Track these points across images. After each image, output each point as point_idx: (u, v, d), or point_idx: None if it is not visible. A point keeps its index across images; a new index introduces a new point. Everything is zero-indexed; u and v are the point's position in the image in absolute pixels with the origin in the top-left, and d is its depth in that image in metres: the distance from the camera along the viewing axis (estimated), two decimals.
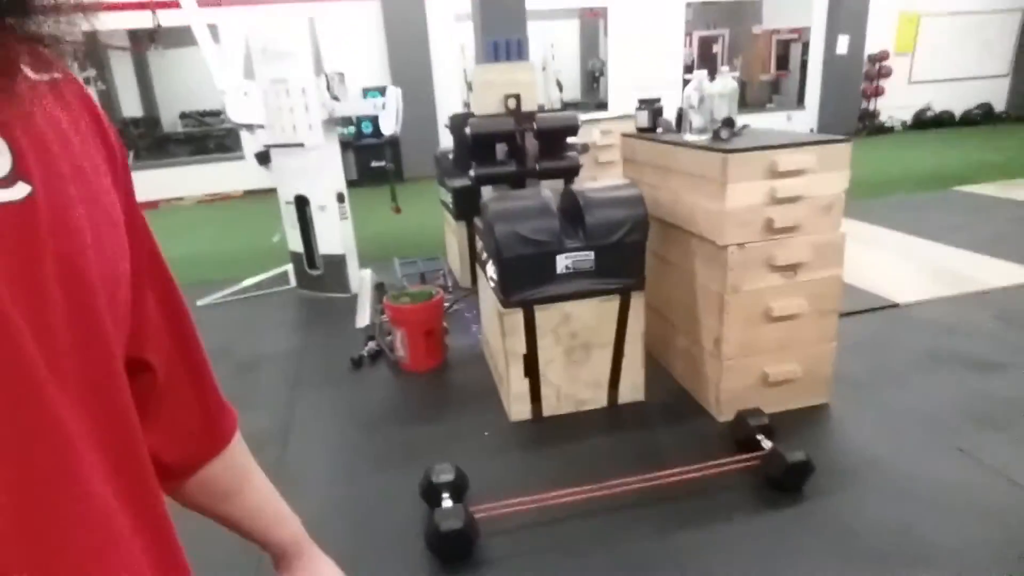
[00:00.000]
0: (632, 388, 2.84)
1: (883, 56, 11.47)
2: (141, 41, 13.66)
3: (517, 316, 2.65)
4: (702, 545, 2.01)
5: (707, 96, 2.69)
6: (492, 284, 2.76)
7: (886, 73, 11.53)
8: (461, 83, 10.42)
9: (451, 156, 4.45)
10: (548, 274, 2.63)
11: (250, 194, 9.65)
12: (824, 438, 2.55)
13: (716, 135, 2.61)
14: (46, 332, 0.34)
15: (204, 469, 0.62)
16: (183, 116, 14.42)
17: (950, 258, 4.59)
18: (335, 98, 4.26)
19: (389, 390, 3.26)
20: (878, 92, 11.64)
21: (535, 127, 3.34)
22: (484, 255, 2.94)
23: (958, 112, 12.13)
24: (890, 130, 11.76)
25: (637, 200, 2.67)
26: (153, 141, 13.14)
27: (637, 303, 2.72)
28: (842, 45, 11.33)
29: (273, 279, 5.01)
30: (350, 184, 5.01)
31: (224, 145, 13.57)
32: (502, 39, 3.46)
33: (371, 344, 3.65)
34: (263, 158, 4.75)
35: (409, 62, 9.63)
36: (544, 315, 2.66)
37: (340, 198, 4.57)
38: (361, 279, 4.75)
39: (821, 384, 2.72)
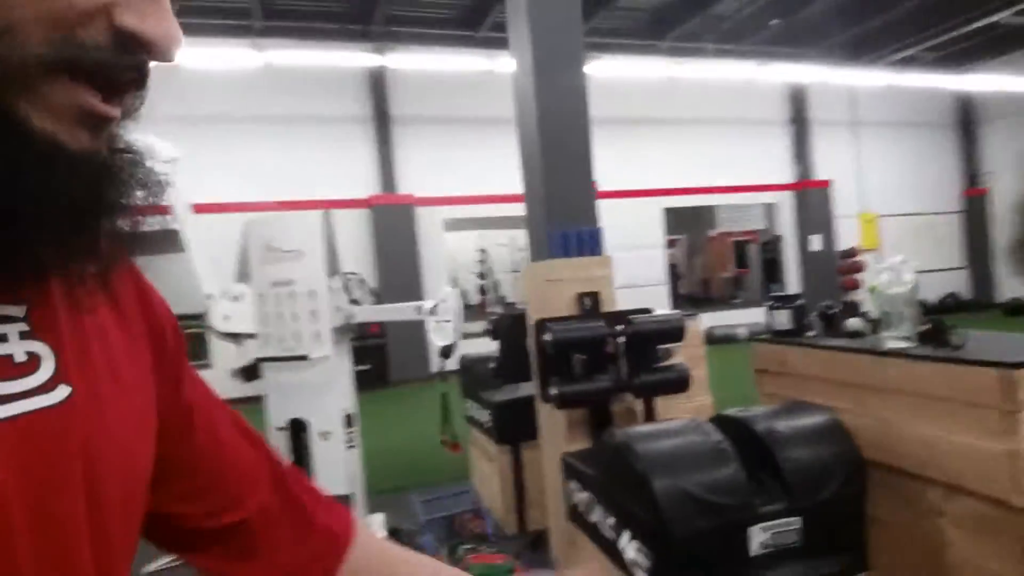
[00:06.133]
0: None
1: (853, 253, 11.91)
2: None
3: None
4: None
5: (884, 297, 2.06)
6: None
7: (859, 268, 11.87)
8: (443, 284, 10.16)
9: (491, 364, 3.66)
10: (739, 558, 1.69)
11: None
12: None
13: (933, 340, 1.92)
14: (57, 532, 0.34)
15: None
16: None
17: None
18: (354, 301, 3.53)
19: None
20: (856, 285, 11.87)
21: (631, 331, 2.61)
22: (607, 519, 1.99)
23: (932, 301, 12.47)
24: None
25: (840, 432, 1.86)
26: None
27: None
28: (814, 243, 11.83)
29: None
30: None
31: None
32: (573, 231, 2.87)
33: None
34: (250, 373, 3.84)
35: (395, 261, 9.31)
36: None
37: (349, 421, 3.61)
38: (370, 527, 3.59)
39: None
